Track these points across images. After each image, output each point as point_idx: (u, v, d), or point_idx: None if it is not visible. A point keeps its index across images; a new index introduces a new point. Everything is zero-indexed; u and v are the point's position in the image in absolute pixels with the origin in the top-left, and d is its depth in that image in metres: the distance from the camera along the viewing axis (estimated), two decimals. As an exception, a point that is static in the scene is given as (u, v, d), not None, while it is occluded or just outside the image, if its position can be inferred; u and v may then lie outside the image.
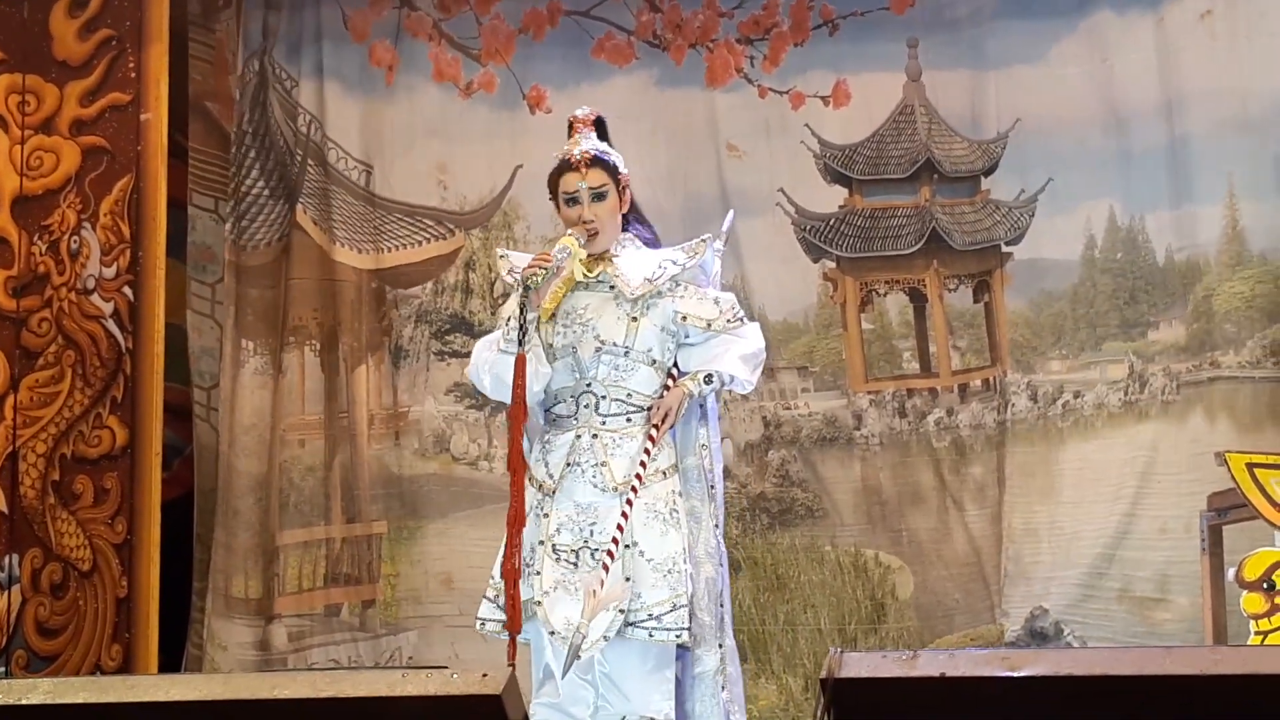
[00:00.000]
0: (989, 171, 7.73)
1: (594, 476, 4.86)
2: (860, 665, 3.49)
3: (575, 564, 4.82)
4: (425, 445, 7.98)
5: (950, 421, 7.68)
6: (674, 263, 4.98)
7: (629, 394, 4.91)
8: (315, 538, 7.99)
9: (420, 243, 8.10)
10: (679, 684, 4.91)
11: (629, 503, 4.80)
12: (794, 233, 7.81)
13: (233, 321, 8.00)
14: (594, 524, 4.83)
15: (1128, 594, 7.29)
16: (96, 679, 4.43)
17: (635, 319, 4.93)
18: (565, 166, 5.00)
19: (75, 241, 7.48)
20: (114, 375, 7.43)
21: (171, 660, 7.59)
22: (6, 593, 7.18)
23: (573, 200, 4.97)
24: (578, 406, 4.92)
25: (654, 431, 4.86)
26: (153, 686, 3.76)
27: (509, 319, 4.91)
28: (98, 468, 7.38)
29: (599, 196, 4.96)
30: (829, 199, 7.83)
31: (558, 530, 4.85)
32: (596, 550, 4.80)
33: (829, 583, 7.61)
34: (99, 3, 7.58)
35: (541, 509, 4.91)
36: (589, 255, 4.94)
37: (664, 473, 4.89)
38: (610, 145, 5.09)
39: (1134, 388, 7.48)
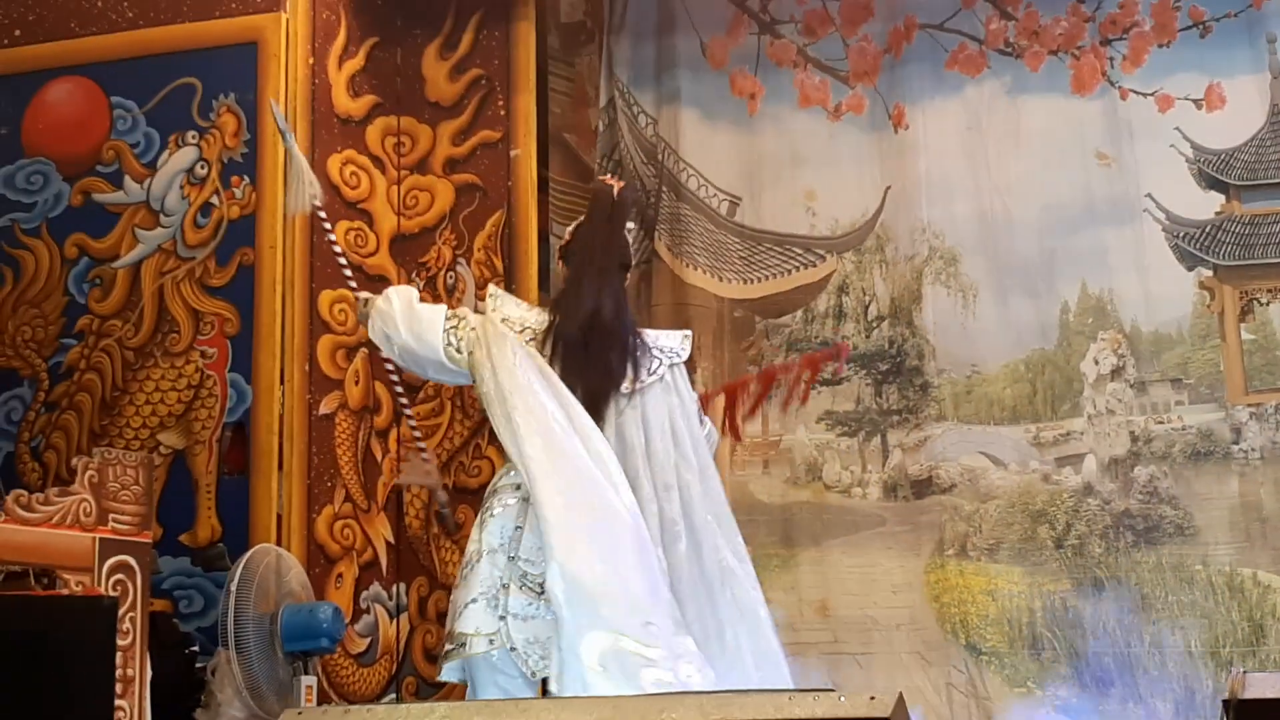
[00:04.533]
0: (1374, 173, 7.45)
1: None
2: (1265, 685, 3.38)
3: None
4: (797, 473, 7.96)
5: (1341, 435, 7.38)
6: None
7: None
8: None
9: (789, 271, 8.11)
10: None
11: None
12: (1165, 240, 7.61)
13: (604, 350, 8.11)
14: None
15: None
16: (489, 703, 4.53)
17: None
18: None
19: (451, 277, 7.68)
20: (491, 407, 7.59)
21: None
22: (395, 621, 7.37)
23: None
24: None
25: None
26: (543, 710, 3.82)
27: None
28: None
29: None
30: (1203, 205, 7.57)
31: None
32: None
33: (1199, 603, 7.33)
34: (469, 44, 7.80)
35: None
36: None
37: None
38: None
39: None
